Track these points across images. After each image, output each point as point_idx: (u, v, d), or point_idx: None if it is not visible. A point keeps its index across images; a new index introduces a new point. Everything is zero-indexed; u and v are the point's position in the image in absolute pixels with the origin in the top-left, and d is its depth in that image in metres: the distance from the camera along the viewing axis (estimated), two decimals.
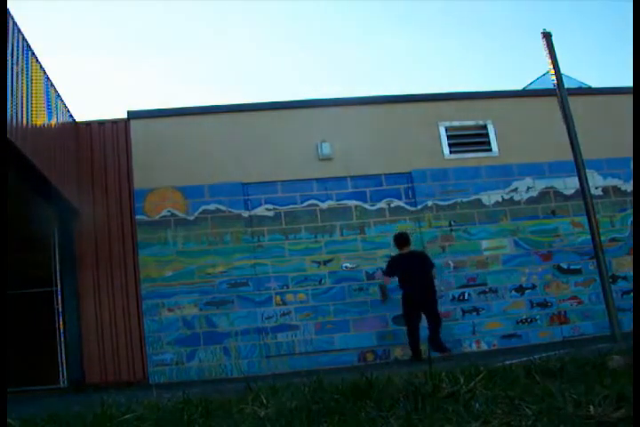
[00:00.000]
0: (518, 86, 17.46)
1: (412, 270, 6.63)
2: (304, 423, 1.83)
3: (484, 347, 7.25)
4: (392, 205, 7.61)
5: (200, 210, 7.34)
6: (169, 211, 7.32)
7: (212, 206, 7.36)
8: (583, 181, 6.03)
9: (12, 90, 4.82)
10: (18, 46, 5.17)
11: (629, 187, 7.91)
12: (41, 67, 6.02)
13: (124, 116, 7.62)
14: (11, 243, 5.01)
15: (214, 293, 7.09)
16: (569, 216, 7.79)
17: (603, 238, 6.18)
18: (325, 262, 7.34)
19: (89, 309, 6.99)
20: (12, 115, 4.76)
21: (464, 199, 7.70)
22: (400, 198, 7.65)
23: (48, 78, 6.30)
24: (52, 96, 6.41)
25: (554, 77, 6.21)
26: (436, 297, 6.68)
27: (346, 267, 7.31)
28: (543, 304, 7.48)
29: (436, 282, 7.39)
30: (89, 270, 7.09)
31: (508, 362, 3.18)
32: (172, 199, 7.35)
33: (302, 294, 7.22)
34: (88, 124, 7.65)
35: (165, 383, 6.53)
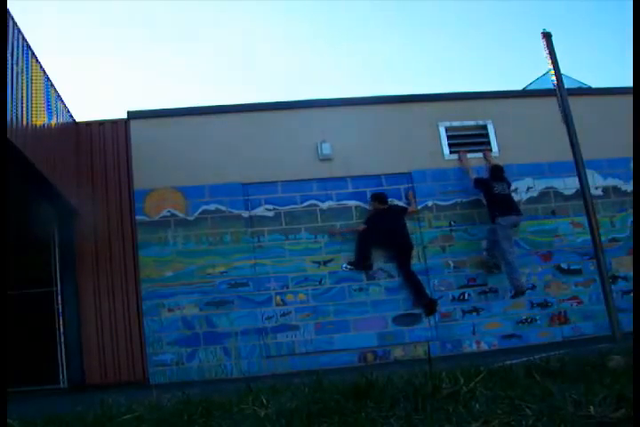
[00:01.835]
0: (518, 86, 17.49)
1: (392, 225, 7.32)
2: (304, 424, 1.83)
3: (484, 347, 7.24)
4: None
5: (200, 210, 7.33)
6: (169, 211, 7.31)
7: (212, 207, 7.35)
8: (583, 181, 6.03)
9: (12, 90, 4.81)
10: (18, 46, 5.17)
11: (629, 187, 7.90)
12: (41, 67, 6.01)
13: (124, 116, 7.61)
14: (11, 243, 5.02)
15: (214, 293, 7.09)
16: (569, 216, 7.78)
17: (603, 239, 6.18)
18: (325, 263, 7.34)
19: (89, 309, 6.99)
20: (11, 115, 4.75)
21: (464, 199, 7.70)
22: (400, 198, 7.65)
23: (48, 78, 6.30)
24: (51, 96, 6.41)
25: (554, 77, 6.21)
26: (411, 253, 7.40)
27: (346, 267, 7.30)
28: (543, 304, 7.47)
29: (436, 282, 7.43)
30: (89, 271, 7.09)
31: (508, 362, 3.18)
32: (172, 200, 7.34)
33: (302, 295, 7.22)
34: (88, 124, 7.64)
35: (165, 384, 6.52)
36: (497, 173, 7.54)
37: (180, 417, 2.13)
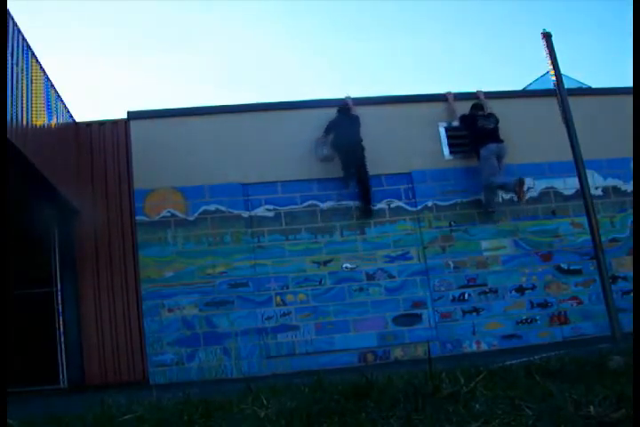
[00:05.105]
0: (518, 86, 17.49)
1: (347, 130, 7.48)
2: (304, 424, 1.83)
3: (484, 347, 7.24)
4: (392, 206, 7.60)
5: (200, 210, 7.33)
6: (169, 211, 7.31)
7: (212, 207, 7.35)
8: (583, 181, 6.03)
9: (12, 90, 4.81)
10: (18, 46, 5.17)
11: (629, 187, 7.90)
12: (41, 67, 6.02)
13: (124, 116, 7.61)
14: (11, 243, 5.02)
15: (214, 293, 7.08)
16: (569, 216, 7.78)
17: (603, 239, 6.16)
18: (325, 263, 7.33)
19: (89, 309, 6.99)
20: (12, 115, 4.75)
21: (464, 199, 7.70)
22: (400, 199, 7.64)
23: (48, 79, 6.30)
24: (52, 96, 6.41)
25: (554, 77, 6.21)
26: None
27: (346, 267, 7.30)
28: (543, 305, 7.47)
29: (436, 282, 7.42)
30: (89, 271, 7.09)
31: (508, 362, 3.18)
32: (172, 200, 7.34)
33: (302, 295, 7.22)
34: (88, 124, 7.65)
35: (165, 384, 6.52)
36: (479, 109, 7.78)
37: (180, 417, 2.13)
